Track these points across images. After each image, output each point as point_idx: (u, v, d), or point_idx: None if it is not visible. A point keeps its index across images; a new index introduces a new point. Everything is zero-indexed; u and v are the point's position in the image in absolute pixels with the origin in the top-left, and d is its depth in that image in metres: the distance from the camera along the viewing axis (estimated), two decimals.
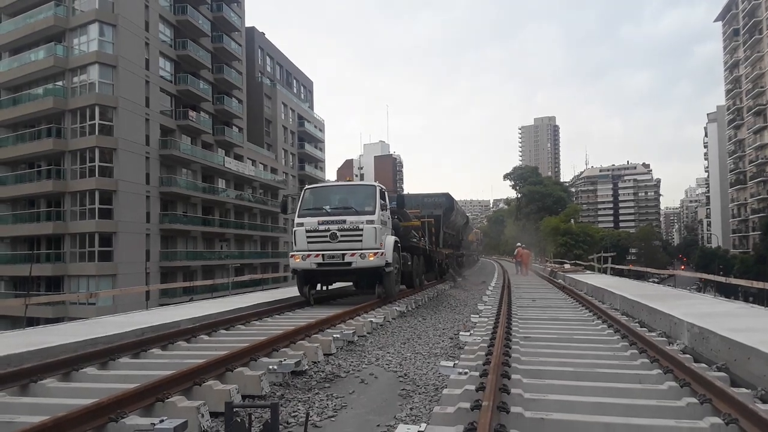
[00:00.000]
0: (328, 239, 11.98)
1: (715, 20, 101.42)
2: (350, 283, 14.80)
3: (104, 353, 6.31)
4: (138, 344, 6.91)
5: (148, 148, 41.75)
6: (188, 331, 7.99)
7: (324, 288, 14.33)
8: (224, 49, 52.19)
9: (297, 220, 12.38)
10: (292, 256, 12.29)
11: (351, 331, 8.10)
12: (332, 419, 4.72)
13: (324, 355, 7.09)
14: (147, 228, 41.32)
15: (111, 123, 38.93)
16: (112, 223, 38.40)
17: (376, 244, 11.98)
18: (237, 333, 8.52)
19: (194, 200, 47.01)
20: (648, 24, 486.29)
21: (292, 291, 16.20)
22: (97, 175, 38.14)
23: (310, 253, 12.01)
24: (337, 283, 15.08)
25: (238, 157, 54.69)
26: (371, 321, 9.61)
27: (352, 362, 6.97)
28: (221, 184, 52.38)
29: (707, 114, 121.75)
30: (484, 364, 5.47)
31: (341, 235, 11.94)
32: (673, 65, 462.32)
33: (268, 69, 66.57)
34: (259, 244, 58.94)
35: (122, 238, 38.58)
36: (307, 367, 6.34)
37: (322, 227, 12.03)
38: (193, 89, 46.50)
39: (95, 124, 38.48)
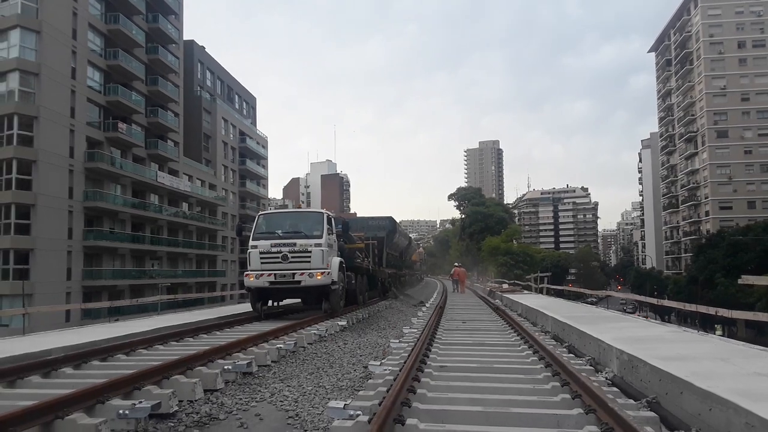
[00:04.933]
0: (279, 260, 13.06)
1: (649, 51, 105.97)
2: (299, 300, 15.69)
3: None
4: None
5: (73, 161, 39.37)
6: (50, 363, 6.77)
7: (275, 304, 15.32)
8: (159, 61, 50.27)
9: (251, 242, 13.49)
10: (247, 275, 13.33)
11: (245, 362, 7.04)
12: None
13: (206, 391, 6.06)
14: (69, 245, 38.80)
15: (31, 133, 36.57)
16: (29, 239, 35.95)
17: (323, 265, 13.14)
18: (113, 365, 7.32)
19: (122, 216, 44.58)
20: (587, 55, 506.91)
21: (218, 312, 15.47)
22: (14, 188, 35.74)
23: (263, 272, 13.09)
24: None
25: (173, 172, 52.46)
26: (279, 347, 8.60)
27: (240, 399, 5.98)
28: (154, 199, 50.06)
29: (641, 140, 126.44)
30: (380, 404, 4.60)
31: (292, 257, 13.05)
32: (610, 94, 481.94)
33: (208, 83, 64.73)
34: (194, 263, 56.54)
35: (41, 255, 36.14)
36: (175, 408, 5.29)
37: (274, 249, 13.14)
38: (123, 100, 44.34)
39: (13, 134, 36.06)
